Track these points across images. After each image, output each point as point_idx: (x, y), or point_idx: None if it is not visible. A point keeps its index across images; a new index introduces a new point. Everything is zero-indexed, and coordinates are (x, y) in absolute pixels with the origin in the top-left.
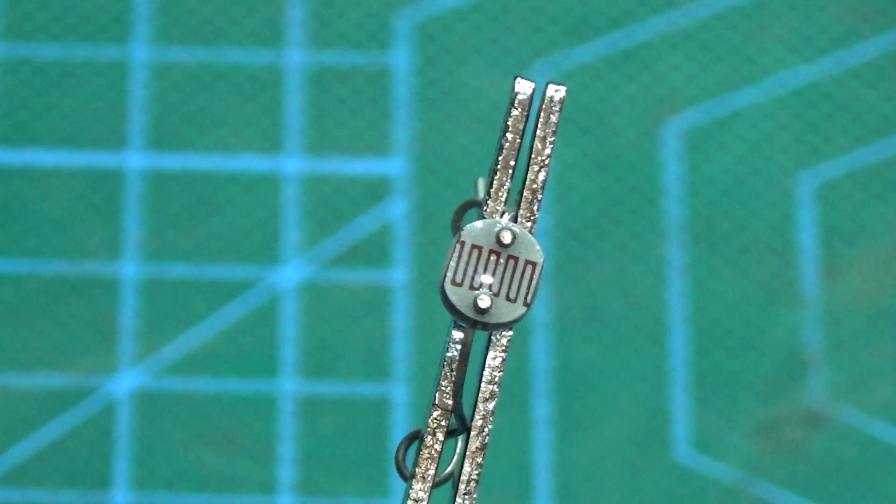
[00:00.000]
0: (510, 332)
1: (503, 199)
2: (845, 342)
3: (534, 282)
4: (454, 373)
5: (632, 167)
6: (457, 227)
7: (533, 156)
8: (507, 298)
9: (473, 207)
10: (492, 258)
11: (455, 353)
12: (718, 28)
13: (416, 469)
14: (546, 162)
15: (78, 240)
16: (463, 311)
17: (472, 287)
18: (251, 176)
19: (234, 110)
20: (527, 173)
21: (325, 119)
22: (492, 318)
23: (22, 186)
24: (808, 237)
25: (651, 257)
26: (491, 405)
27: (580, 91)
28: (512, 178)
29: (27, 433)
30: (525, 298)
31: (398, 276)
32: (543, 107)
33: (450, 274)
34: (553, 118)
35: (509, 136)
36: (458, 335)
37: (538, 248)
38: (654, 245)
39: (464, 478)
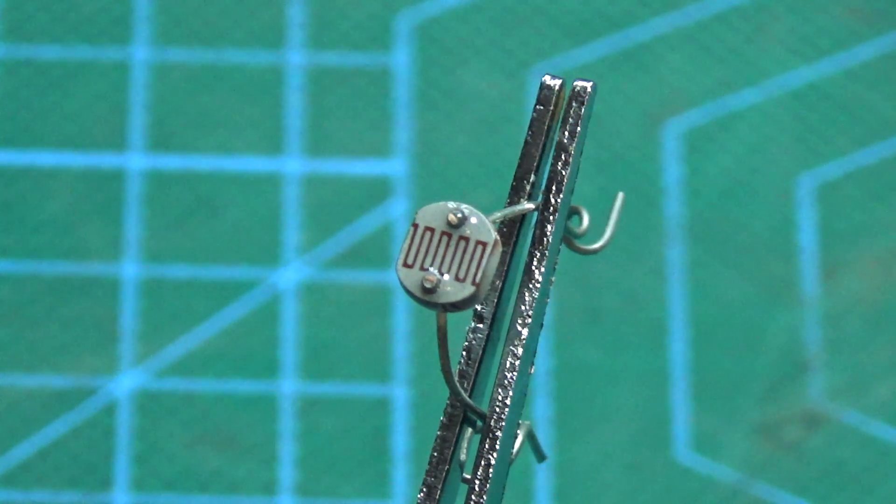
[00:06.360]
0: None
1: (528, 194)
2: (845, 343)
3: (483, 261)
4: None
5: (632, 168)
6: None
7: (557, 151)
8: (457, 278)
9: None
10: (444, 239)
11: (474, 342)
12: (718, 29)
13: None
14: (570, 156)
15: (79, 240)
16: (413, 291)
17: (421, 268)
18: (252, 177)
19: (235, 111)
20: (552, 167)
21: (326, 120)
22: (439, 298)
23: (24, 187)
24: (807, 238)
25: (651, 258)
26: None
27: None
28: (537, 173)
29: (28, 433)
30: (474, 278)
31: None
32: (571, 101)
33: (402, 256)
34: (582, 111)
35: (535, 131)
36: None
37: (491, 229)
38: (655, 245)
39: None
